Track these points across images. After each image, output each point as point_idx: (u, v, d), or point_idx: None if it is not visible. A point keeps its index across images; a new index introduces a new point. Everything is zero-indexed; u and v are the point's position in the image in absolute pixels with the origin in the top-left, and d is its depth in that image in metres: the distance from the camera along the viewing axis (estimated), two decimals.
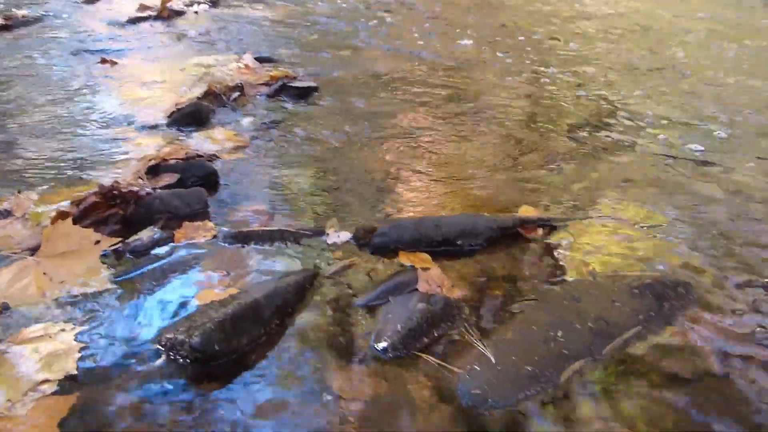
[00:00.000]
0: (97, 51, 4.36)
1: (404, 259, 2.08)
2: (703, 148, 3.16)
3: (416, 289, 1.89)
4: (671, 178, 2.81)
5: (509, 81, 4.27)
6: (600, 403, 1.54)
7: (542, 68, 4.63)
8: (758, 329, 1.80)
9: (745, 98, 4.11)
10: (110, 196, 2.23)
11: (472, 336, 1.72)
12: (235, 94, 3.56)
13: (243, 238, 2.16)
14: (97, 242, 2.03)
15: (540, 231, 2.29)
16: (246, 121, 3.24)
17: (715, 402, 1.55)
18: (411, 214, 2.39)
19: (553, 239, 2.25)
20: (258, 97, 3.62)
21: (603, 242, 2.24)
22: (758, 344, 1.74)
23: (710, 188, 2.71)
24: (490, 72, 4.49)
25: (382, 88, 3.96)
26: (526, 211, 2.40)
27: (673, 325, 1.81)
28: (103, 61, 4.06)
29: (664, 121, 3.58)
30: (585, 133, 3.34)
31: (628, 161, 3.00)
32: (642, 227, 2.35)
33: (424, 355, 1.66)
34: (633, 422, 1.48)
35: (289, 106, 3.56)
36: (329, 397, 1.53)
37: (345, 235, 2.20)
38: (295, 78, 3.88)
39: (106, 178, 2.48)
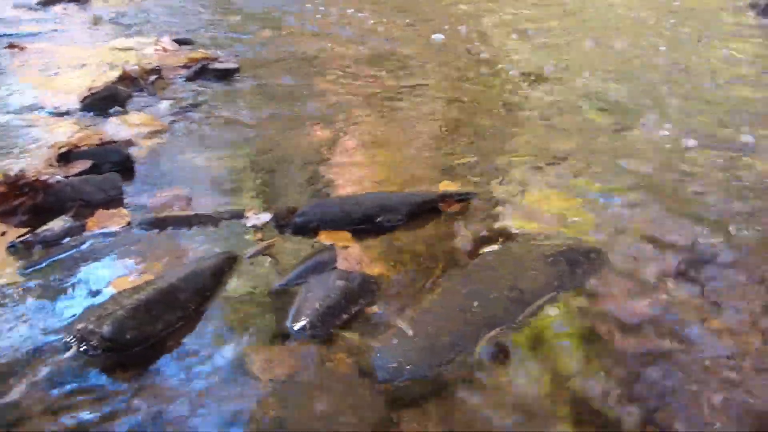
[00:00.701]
0: (3, 35, 4.15)
1: (325, 238, 2.08)
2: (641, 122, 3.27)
3: (336, 268, 1.89)
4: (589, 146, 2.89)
5: (438, 60, 4.28)
6: (515, 369, 1.58)
7: (473, 47, 4.67)
8: (663, 295, 1.88)
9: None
10: (17, 185, 2.15)
11: (390, 310, 1.74)
12: (153, 78, 3.46)
13: (159, 223, 2.11)
14: (2, 233, 1.95)
15: (459, 205, 2.32)
16: (164, 105, 3.16)
17: (621, 361, 1.62)
18: (337, 193, 2.39)
19: (471, 212, 2.28)
20: (177, 80, 3.54)
21: (521, 212, 2.29)
22: (663, 309, 1.82)
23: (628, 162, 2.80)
24: (419, 51, 4.49)
25: (307, 68, 3.92)
26: (447, 186, 2.43)
27: (584, 289, 1.87)
28: (11, 46, 3.87)
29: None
30: (505, 111, 3.40)
31: (546, 134, 3.06)
32: (562, 197, 2.41)
33: (342, 332, 1.67)
34: (547, 385, 1.53)
35: (210, 88, 3.49)
36: (248, 379, 1.52)
37: (265, 217, 2.18)
38: (215, 60, 3.80)
39: (14, 166, 2.37)
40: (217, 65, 3.71)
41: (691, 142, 2.87)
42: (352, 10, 5.53)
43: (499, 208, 2.32)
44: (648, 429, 1.41)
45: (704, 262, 2.01)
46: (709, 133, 3.02)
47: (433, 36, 4.74)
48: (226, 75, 3.65)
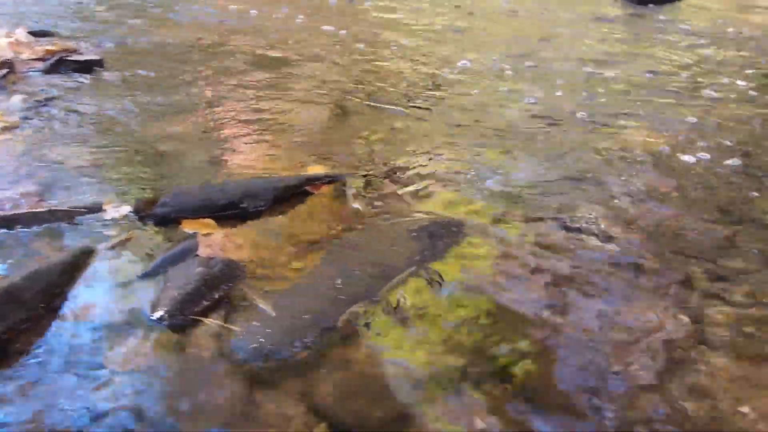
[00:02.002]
0: None
1: (188, 226, 2.03)
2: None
3: (198, 255, 1.86)
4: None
5: (324, 51, 4.26)
6: (377, 342, 1.61)
7: (360, 43, 4.69)
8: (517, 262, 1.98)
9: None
10: None
11: (252, 293, 1.73)
12: (3, 72, 3.24)
13: (6, 222, 1.99)
14: None
15: (328, 187, 2.33)
16: (15, 100, 2.97)
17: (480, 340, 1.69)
18: (204, 181, 2.34)
19: (340, 194, 2.31)
20: (31, 73, 3.33)
21: (388, 192, 2.33)
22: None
23: (489, 153, 2.91)
24: (307, 42, 4.45)
25: (178, 59, 3.80)
26: (315, 169, 2.44)
27: (443, 261, 1.93)
28: None
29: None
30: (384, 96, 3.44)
31: (418, 119, 3.14)
32: (431, 178, 2.48)
33: (203, 319, 1.64)
34: (408, 355, 1.58)
35: (69, 81, 3.31)
36: (104, 374, 1.47)
37: (125, 209, 2.10)
38: (75, 52, 3.61)
39: None
40: (77, 57, 3.52)
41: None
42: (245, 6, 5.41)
43: (367, 189, 2.35)
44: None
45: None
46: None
47: (323, 27, 4.72)
48: (88, 67, 3.47)
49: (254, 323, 1.62)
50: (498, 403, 1.43)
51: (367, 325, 1.65)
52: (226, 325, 1.62)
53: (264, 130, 2.87)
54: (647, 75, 3.87)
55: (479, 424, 1.38)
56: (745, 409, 1.45)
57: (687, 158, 2.68)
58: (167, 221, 2.07)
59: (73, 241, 1.94)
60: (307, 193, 2.29)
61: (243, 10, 5.20)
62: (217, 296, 1.72)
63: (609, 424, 1.39)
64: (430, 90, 3.50)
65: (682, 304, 1.78)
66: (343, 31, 4.67)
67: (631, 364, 1.56)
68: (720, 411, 1.44)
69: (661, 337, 1.65)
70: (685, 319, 1.73)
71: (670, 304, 1.78)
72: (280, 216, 2.15)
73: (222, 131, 2.83)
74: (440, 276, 1.85)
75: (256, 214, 2.14)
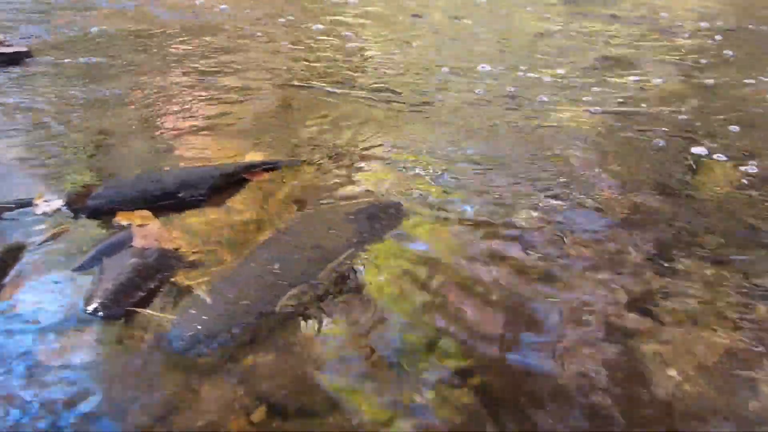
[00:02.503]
0: None
1: (122, 218, 2.00)
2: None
3: (133, 246, 1.84)
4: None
5: (271, 42, 4.21)
6: (313, 324, 1.62)
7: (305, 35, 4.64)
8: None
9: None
10: None
11: (189, 282, 1.72)
12: None
13: None
14: None
15: (267, 174, 2.32)
16: None
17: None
18: (138, 171, 2.31)
19: (279, 180, 2.30)
20: None
21: (329, 177, 2.34)
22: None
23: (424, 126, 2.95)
24: (243, 32, 4.39)
25: (113, 49, 3.71)
26: (253, 157, 2.43)
27: (383, 241, 1.96)
28: None
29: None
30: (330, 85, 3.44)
31: (361, 106, 3.15)
32: (369, 161, 2.49)
33: (138, 309, 1.63)
34: (346, 336, 1.60)
35: None
36: (37, 371, 1.44)
37: (57, 203, 2.06)
38: (2, 44, 3.48)
39: None
40: (4, 49, 3.40)
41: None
42: None
43: (306, 174, 2.35)
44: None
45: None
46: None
47: (279, 20, 4.66)
48: (15, 59, 3.35)
49: (191, 311, 1.61)
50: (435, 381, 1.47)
51: (305, 308, 1.67)
52: (162, 315, 1.61)
53: (205, 118, 2.84)
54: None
55: (415, 398, 1.42)
56: (672, 372, 1.52)
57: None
58: (101, 214, 2.03)
59: (0, 237, 1.89)
60: (246, 181, 2.27)
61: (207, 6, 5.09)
62: (152, 286, 1.71)
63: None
64: (377, 78, 3.52)
65: (618, 273, 1.85)
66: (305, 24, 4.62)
67: (561, 330, 1.62)
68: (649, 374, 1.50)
69: (594, 305, 1.71)
70: (618, 288, 1.79)
71: (606, 276, 1.84)
72: (218, 204, 2.14)
73: (160, 121, 2.78)
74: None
75: (193, 204, 2.12)
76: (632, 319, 1.68)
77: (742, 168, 2.50)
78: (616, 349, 1.57)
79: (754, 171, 2.48)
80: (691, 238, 2.05)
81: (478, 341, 1.58)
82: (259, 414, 1.38)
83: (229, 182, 2.24)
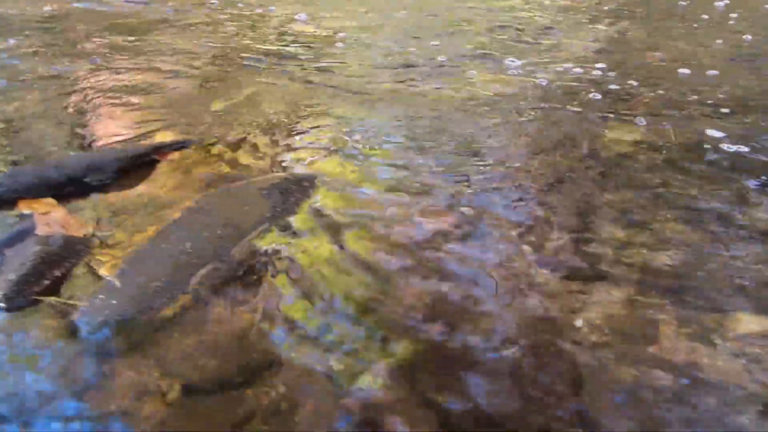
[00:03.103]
0: None
1: (25, 207, 1.94)
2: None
3: (36, 234, 1.79)
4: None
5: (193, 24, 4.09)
6: (226, 302, 1.63)
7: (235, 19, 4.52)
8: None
9: None
10: None
11: (97, 267, 1.70)
12: None
13: None
14: None
15: (177, 154, 2.29)
16: None
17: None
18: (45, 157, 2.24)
19: (186, 160, 2.27)
20: None
21: (239, 154, 2.33)
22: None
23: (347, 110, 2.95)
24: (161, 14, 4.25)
25: (22, 32, 3.55)
26: (164, 137, 2.38)
27: (297, 215, 1.97)
28: None
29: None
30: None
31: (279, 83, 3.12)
32: (281, 135, 2.48)
33: (44, 298, 1.59)
34: (255, 309, 1.61)
35: None
36: None
37: None
38: None
39: None
40: None
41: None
42: None
43: (217, 153, 2.33)
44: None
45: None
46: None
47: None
48: None
49: (100, 296, 1.59)
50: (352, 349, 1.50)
51: (218, 286, 1.67)
52: (70, 302, 1.58)
53: (113, 100, 2.76)
54: None
55: (332, 367, 1.45)
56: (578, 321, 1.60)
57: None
58: (2, 203, 1.96)
59: None
60: (156, 162, 2.23)
61: None
62: (59, 274, 1.67)
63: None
64: (299, 56, 3.49)
65: (529, 233, 1.91)
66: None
67: (473, 288, 1.67)
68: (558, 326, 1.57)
69: (504, 263, 1.77)
70: (528, 247, 1.86)
71: (516, 234, 1.91)
72: (127, 187, 2.10)
73: (67, 104, 2.69)
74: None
75: (100, 188, 2.07)
76: (542, 275, 1.74)
77: (645, 129, 2.60)
78: (527, 304, 1.64)
79: (659, 129, 2.58)
80: (599, 196, 2.12)
81: (398, 308, 1.62)
82: (173, 394, 1.38)
83: (137, 164, 2.19)
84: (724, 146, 2.41)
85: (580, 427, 1.30)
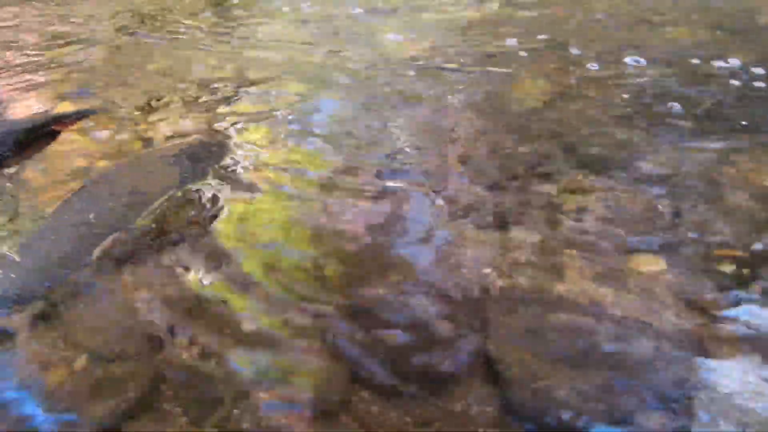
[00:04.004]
0: None
1: None
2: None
3: None
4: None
5: None
6: (131, 271, 1.62)
7: None
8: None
9: None
10: None
11: None
12: None
13: None
14: None
15: (79, 124, 2.22)
16: None
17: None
18: None
19: (89, 129, 2.21)
20: None
21: (143, 123, 2.28)
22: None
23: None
24: None
25: None
26: (64, 107, 2.31)
27: (206, 180, 1.96)
28: None
29: None
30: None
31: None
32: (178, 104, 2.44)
33: None
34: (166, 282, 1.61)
35: None
36: None
37: None
38: None
39: None
40: None
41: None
42: None
43: (121, 121, 2.28)
44: None
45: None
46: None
47: None
48: None
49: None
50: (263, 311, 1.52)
51: (122, 254, 1.65)
52: None
53: (12, 69, 2.64)
54: None
55: (244, 328, 1.47)
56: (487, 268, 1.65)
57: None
58: None
59: None
60: (57, 133, 2.17)
61: None
62: None
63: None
64: (216, 27, 3.40)
65: (444, 187, 1.95)
66: None
67: (383, 233, 1.71)
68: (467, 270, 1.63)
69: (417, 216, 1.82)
70: (443, 203, 1.89)
71: (422, 181, 1.94)
72: (25, 160, 2.03)
73: None
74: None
75: None
76: (456, 227, 1.78)
77: (552, 83, 2.63)
78: (438, 253, 1.68)
79: (567, 83, 2.63)
80: (507, 151, 2.17)
81: (306, 272, 1.63)
82: (80, 362, 1.38)
83: (37, 136, 2.12)
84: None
85: (483, 366, 1.37)
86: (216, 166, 2.02)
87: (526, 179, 2.00)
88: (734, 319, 1.42)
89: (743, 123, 2.13)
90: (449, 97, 2.48)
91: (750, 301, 1.47)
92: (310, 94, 2.52)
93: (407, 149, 2.14)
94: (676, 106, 2.24)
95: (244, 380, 1.34)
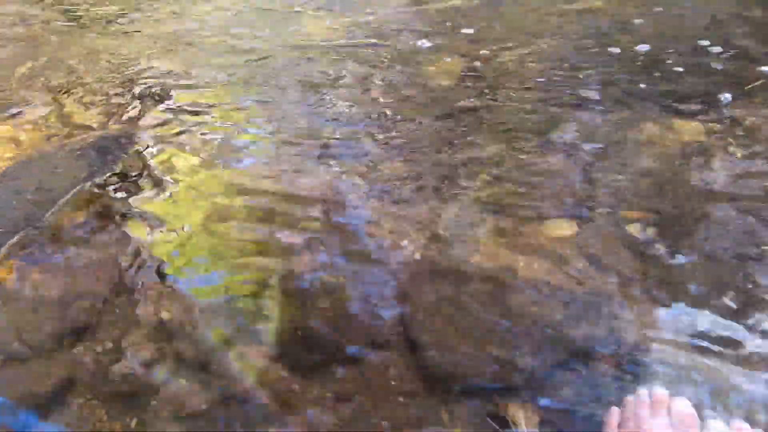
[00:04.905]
0: None
1: None
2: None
3: None
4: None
5: None
6: (41, 268, 1.57)
7: None
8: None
9: None
10: None
11: None
12: None
13: None
14: None
15: None
16: None
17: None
18: None
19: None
20: None
21: (48, 117, 2.20)
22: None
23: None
24: None
25: None
26: None
27: (114, 172, 1.91)
28: None
29: None
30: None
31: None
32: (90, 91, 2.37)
33: None
34: (71, 272, 1.56)
35: None
36: None
37: None
38: None
39: None
40: None
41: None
42: None
43: (24, 119, 2.19)
44: None
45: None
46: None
47: None
48: None
49: None
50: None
51: (30, 252, 1.60)
52: None
53: None
54: None
55: (163, 317, 1.45)
56: (404, 242, 1.67)
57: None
58: None
59: None
60: None
61: None
62: None
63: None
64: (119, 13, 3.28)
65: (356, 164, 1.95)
66: None
67: (303, 209, 1.71)
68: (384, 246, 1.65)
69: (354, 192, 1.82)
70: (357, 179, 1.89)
71: (350, 166, 1.95)
72: None
73: None
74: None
75: None
76: (373, 202, 1.78)
77: (465, 62, 2.66)
78: (357, 231, 1.69)
79: (477, 64, 2.67)
80: (427, 125, 2.18)
81: (233, 251, 1.63)
82: None
83: None
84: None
85: (401, 335, 1.39)
86: (125, 158, 1.98)
87: (443, 151, 2.03)
88: (642, 280, 1.49)
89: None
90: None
91: (656, 258, 1.54)
92: (232, 76, 2.49)
93: (329, 121, 2.13)
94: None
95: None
